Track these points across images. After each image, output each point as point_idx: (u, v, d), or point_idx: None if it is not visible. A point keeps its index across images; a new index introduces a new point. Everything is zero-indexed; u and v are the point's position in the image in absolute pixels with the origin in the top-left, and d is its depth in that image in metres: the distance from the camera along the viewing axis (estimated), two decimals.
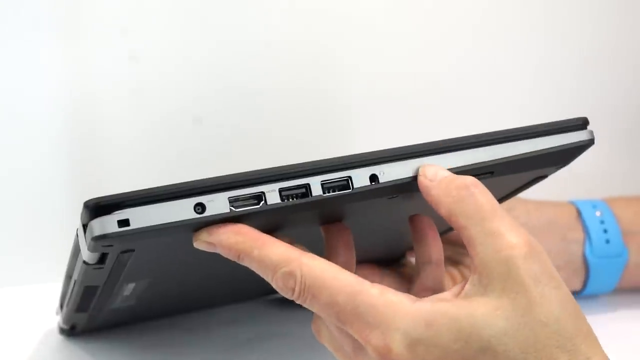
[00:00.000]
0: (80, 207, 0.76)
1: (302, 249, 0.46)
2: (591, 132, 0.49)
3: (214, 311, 0.72)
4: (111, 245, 0.45)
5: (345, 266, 0.49)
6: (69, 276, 0.56)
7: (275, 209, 0.45)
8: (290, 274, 0.45)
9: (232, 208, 0.45)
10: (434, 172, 0.46)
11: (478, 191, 0.44)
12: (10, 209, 0.82)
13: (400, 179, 0.47)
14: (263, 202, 0.45)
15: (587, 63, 0.88)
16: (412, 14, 0.86)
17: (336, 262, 0.49)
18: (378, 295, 0.44)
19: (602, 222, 0.71)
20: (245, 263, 0.46)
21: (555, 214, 0.71)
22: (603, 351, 0.43)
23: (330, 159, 0.46)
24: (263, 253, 0.45)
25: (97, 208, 0.44)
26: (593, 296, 0.73)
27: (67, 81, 0.81)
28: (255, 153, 0.85)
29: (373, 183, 0.46)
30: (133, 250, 0.46)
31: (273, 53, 0.83)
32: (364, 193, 0.46)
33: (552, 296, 0.42)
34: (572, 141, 0.49)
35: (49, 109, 0.81)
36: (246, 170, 0.46)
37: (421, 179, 0.46)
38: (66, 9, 0.80)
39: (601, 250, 0.71)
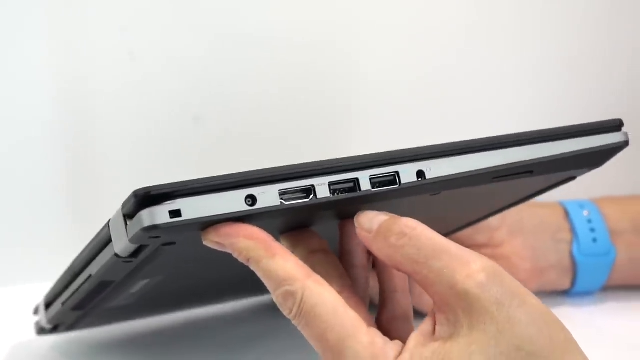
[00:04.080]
0: (73, 207, 0.74)
1: (310, 270, 0.45)
2: (626, 134, 0.50)
3: (212, 309, 0.71)
4: (157, 237, 0.43)
5: (358, 270, 0.49)
6: (78, 271, 0.54)
7: (323, 202, 0.44)
8: (292, 294, 0.43)
9: (282, 201, 0.44)
10: (370, 222, 0.45)
11: (416, 233, 0.44)
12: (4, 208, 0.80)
13: (446, 175, 0.46)
14: (312, 195, 0.44)
15: (587, 65, 0.90)
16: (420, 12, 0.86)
17: (350, 264, 0.49)
18: (366, 346, 0.43)
19: (589, 221, 0.72)
20: (253, 269, 0.44)
21: (545, 214, 0.72)
22: (584, 355, 0.42)
23: (378, 153, 0.46)
24: (271, 265, 0.44)
25: (147, 198, 0.42)
26: (583, 293, 0.74)
27: (66, 80, 0.79)
28: (256, 153, 0.84)
29: (420, 179, 0.46)
30: (174, 243, 0.45)
31: (274, 51, 0.83)
32: (410, 189, 0.46)
33: (518, 316, 0.41)
34: (609, 142, 0.49)
35: (47, 107, 0.79)
36: (295, 163, 0.45)
37: (359, 232, 0.46)
38: (66, 7, 0.78)
39: (588, 249, 0.72)
